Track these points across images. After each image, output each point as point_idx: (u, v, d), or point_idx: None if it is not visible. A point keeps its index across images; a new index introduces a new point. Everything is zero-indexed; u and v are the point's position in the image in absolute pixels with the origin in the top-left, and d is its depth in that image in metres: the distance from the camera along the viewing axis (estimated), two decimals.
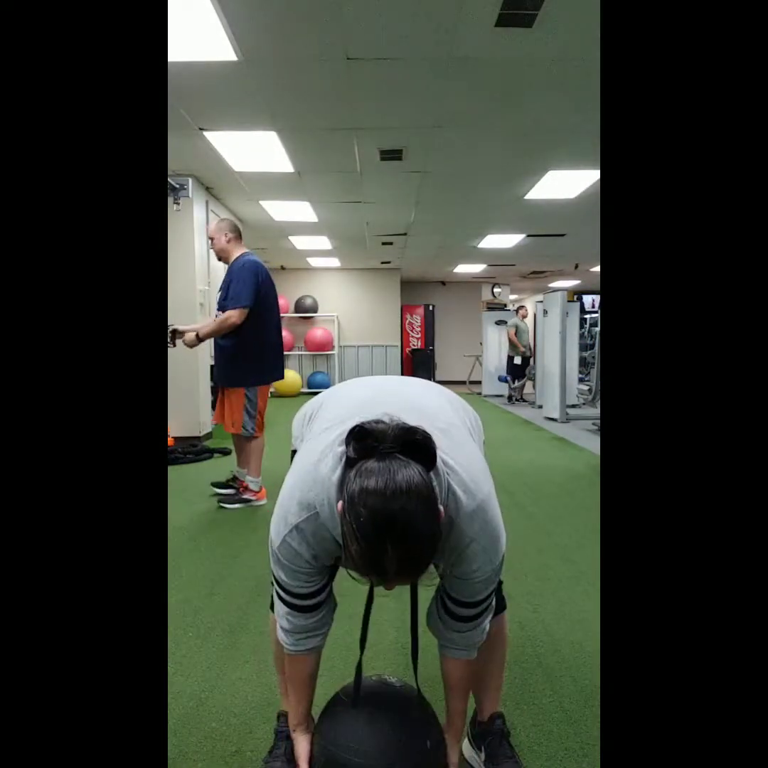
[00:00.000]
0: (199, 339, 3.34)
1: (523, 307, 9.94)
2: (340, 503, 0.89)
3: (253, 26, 3.02)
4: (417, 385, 1.25)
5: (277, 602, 1.11)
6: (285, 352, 4.21)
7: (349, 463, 0.90)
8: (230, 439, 3.77)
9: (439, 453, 0.92)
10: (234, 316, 3.21)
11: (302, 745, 1.15)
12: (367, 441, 0.88)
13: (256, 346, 3.30)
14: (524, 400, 9.38)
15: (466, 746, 1.35)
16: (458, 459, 1.00)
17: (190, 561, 2.59)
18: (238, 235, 3.41)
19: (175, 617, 2.03)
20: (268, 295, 3.34)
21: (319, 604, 1.10)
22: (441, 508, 0.89)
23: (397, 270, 11.51)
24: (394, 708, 1.12)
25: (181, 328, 3.42)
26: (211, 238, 3.42)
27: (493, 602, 1.14)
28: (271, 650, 1.34)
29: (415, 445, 0.89)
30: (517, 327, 9.32)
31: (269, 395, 3.52)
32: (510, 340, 9.32)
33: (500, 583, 1.25)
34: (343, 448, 0.93)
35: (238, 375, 3.33)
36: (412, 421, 0.92)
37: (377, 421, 0.91)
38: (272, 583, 1.12)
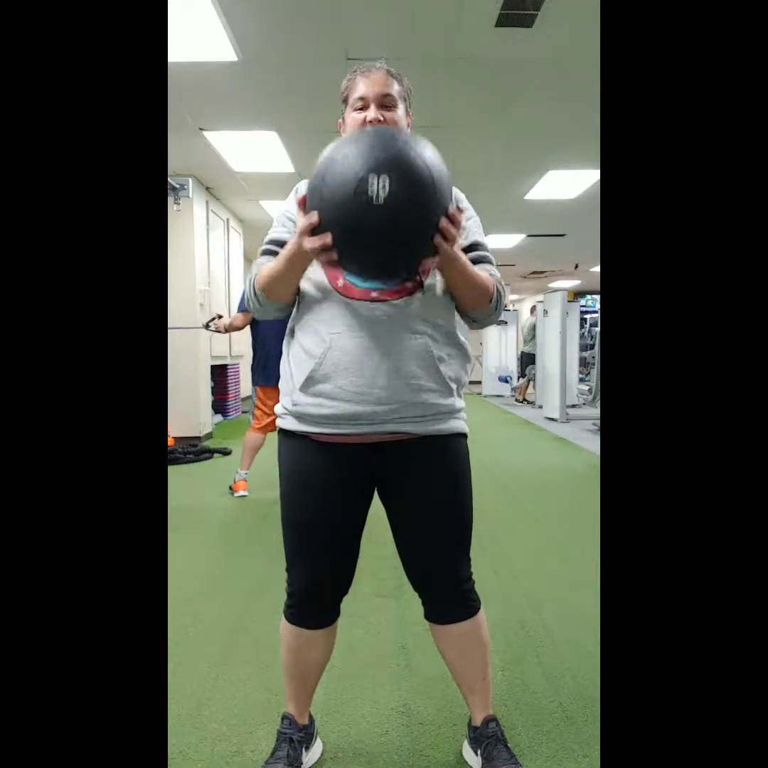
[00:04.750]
0: (226, 330, 3.68)
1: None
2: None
3: (253, 26, 3.02)
4: None
5: (260, 262, 1.18)
6: None
7: None
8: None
9: None
10: (238, 319, 3.53)
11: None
12: None
13: (254, 349, 3.57)
14: (527, 401, 9.36)
15: (465, 747, 1.35)
16: None
17: (190, 561, 2.59)
18: None
19: (175, 617, 2.03)
20: None
21: None
22: None
23: None
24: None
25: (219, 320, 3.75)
26: None
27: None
28: (272, 650, 1.34)
29: None
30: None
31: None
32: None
33: (473, 582, 1.24)
34: None
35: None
36: None
37: None
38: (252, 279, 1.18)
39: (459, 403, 1.19)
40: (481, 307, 1.16)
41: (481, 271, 1.15)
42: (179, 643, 1.86)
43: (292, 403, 1.15)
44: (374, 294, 1.09)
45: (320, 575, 1.20)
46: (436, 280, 1.14)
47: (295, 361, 1.16)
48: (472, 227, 1.23)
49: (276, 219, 1.23)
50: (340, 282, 1.11)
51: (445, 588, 1.22)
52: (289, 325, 1.22)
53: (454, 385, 1.16)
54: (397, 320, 1.09)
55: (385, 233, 0.92)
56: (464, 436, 1.21)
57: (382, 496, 1.21)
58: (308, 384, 1.11)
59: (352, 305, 1.10)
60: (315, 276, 1.13)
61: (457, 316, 1.20)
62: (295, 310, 1.20)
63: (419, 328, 1.11)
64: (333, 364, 1.09)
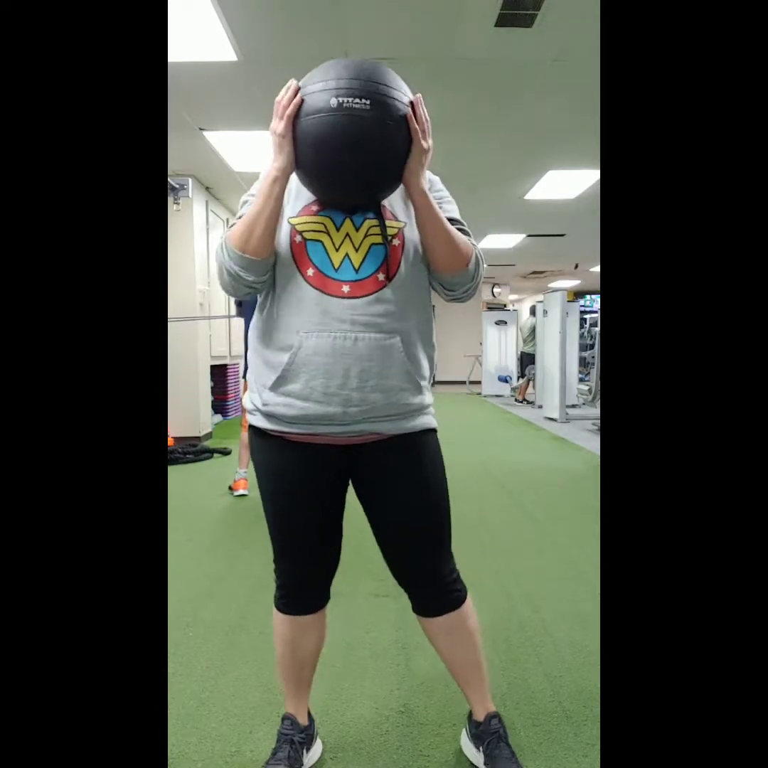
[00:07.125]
0: None
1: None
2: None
3: (253, 26, 3.02)
4: None
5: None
6: None
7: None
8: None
9: None
10: None
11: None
12: None
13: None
14: (527, 401, 9.36)
15: (466, 743, 1.34)
16: None
17: (190, 561, 2.59)
18: None
19: (175, 617, 2.03)
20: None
21: None
22: None
23: None
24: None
25: None
26: None
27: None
28: (272, 650, 1.34)
29: None
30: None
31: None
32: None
33: (456, 573, 1.25)
34: None
35: None
36: None
37: None
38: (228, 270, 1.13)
39: (428, 399, 1.20)
40: (459, 269, 1.15)
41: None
42: (179, 643, 1.86)
43: (263, 403, 1.14)
44: (346, 288, 1.08)
45: (305, 566, 1.22)
46: (407, 274, 1.13)
47: (264, 358, 1.14)
48: (448, 207, 1.23)
49: (242, 201, 1.19)
50: (310, 271, 1.09)
51: (426, 582, 1.22)
52: (256, 317, 1.19)
53: (424, 383, 1.18)
54: (370, 319, 1.08)
55: (365, 70, 1.05)
56: (434, 431, 1.22)
57: (357, 494, 1.22)
58: (278, 384, 1.10)
59: (324, 301, 1.08)
60: (284, 266, 1.11)
61: (432, 311, 1.22)
62: (264, 302, 1.17)
63: (392, 328, 1.10)
64: (303, 364, 1.08)
